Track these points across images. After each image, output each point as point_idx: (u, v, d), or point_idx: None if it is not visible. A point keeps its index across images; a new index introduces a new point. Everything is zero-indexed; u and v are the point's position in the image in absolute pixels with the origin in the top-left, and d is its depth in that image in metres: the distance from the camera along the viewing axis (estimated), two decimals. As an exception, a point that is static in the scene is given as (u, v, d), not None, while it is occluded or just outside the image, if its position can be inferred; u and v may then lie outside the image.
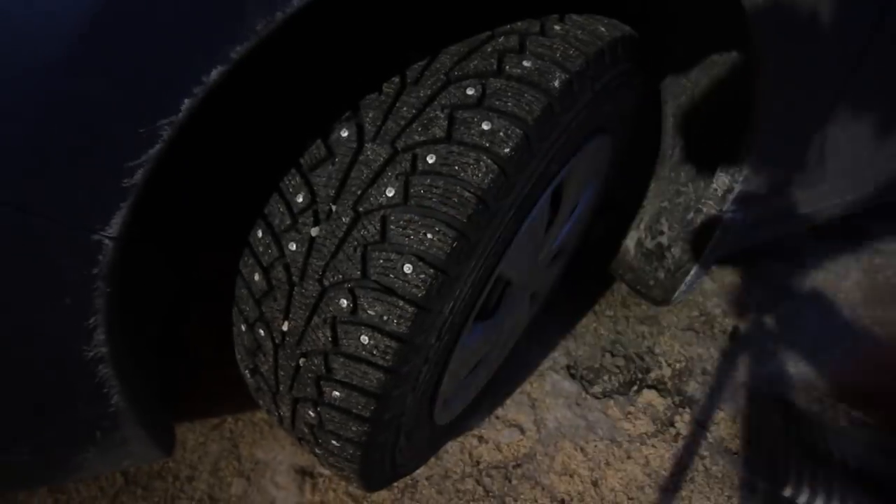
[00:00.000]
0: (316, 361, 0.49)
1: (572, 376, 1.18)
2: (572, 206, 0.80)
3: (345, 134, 0.47)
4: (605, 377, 1.19)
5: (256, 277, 0.51)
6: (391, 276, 0.44)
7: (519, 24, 0.50)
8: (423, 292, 0.44)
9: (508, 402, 1.10)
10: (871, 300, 1.54)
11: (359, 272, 0.45)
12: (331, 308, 0.46)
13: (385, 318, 0.44)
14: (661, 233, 1.05)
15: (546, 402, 1.12)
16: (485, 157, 0.43)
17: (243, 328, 0.55)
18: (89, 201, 0.36)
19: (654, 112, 0.91)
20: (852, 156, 0.96)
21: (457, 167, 0.43)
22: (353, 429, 0.50)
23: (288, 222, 0.48)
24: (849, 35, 0.72)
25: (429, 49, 0.49)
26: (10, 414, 0.49)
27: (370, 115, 0.47)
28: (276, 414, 0.60)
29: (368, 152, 0.46)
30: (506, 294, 0.73)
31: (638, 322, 1.35)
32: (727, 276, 1.54)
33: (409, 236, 0.43)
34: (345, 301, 0.46)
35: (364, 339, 0.45)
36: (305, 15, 0.36)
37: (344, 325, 0.46)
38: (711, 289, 1.50)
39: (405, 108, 0.46)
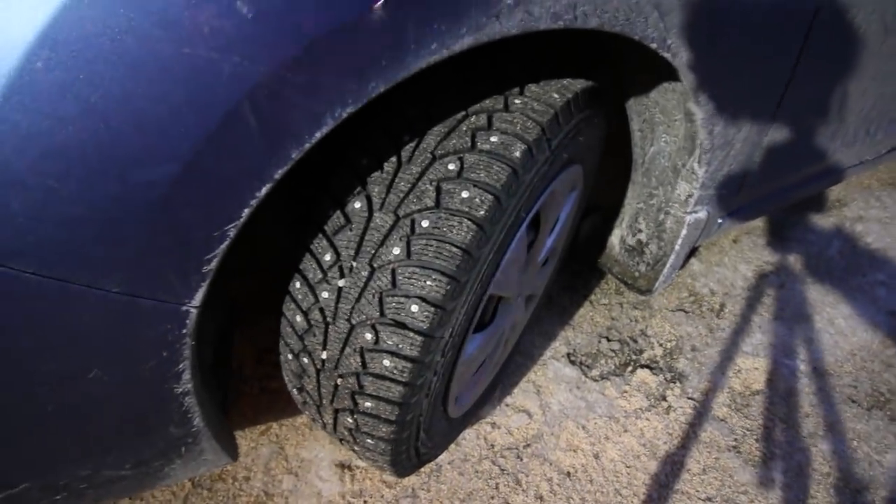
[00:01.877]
0: (350, 381, 0.63)
1: (572, 363, 1.32)
2: (553, 223, 0.93)
3: (358, 205, 0.61)
4: (602, 361, 1.33)
5: (298, 319, 0.65)
6: (402, 314, 0.58)
7: (487, 102, 0.63)
8: (428, 325, 0.57)
9: (516, 390, 1.24)
10: (854, 268, 1.65)
11: (378, 313, 0.59)
12: (359, 340, 0.61)
13: (400, 346, 0.58)
14: (640, 231, 1.17)
15: (550, 388, 1.26)
16: (466, 220, 0.56)
17: (290, 357, 0.70)
18: (181, 285, 0.50)
19: (625, 126, 1.03)
20: (789, 164, 1.08)
21: (445, 229, 0.57)
22: (383, 429, 0.65)
23: (320, 276, 0.62)
24: (771, 71, 0.84)
25: (418, 130, 0.62)
26: (122, 437, 0.64)
27: (376, 189, 0.61)
28: (321, 422, 0.75)
29: (377, 219, 0.59)
30: (500, 305, 0.87)
31: (631, 307, 1.47)
32: (713, 256, 1.65)
33: (413, 284, 0.57)
34: (369, 335, 0.60)
35: (386, 362, 0.59)
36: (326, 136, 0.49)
37: (370, 352, 0.60)
38: (699, 270, 1.62)
39: (403, 183, 0.60)
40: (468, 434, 1.15)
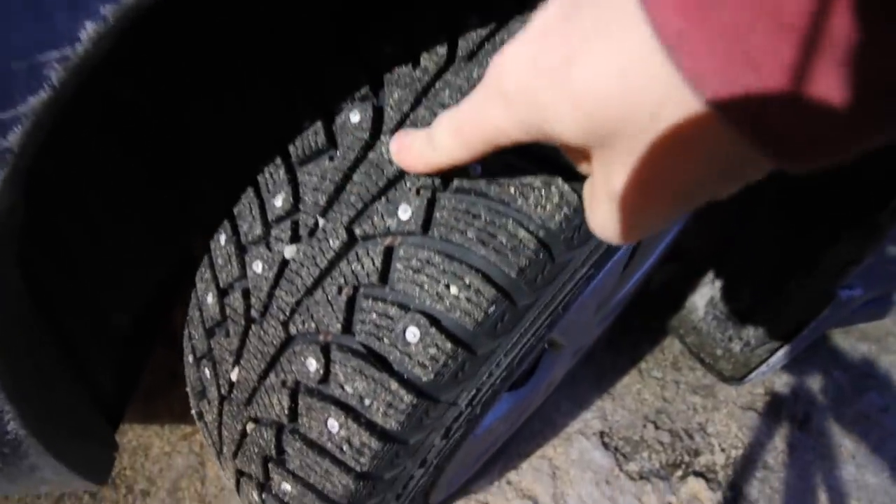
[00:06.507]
0: (266, 434, 0.34)
1: (605, 446, 1.00)
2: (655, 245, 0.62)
3: (355, 119, 0.32)
4: (645, 454, 1.00)
5: (210, 299, 0.37)
6: (386, 340, 0.28)
7: None
8: (432, 375, 0.28)
9: (525, 465, 0.93)
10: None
11: (339, 325, 0.30)
12: (293, 367, 0.31)
13: (368, 402, 0.29)
14: (741, 297, 0.85)
15: (570, 473, 0.94)
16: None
17: (191, 360, 0.41)
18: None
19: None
20: None
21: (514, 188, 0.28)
22: (305, 540, 0.35)
23: (258, 232, 0.34)
24: None
25: (497, 13, 0.33)
26: None
27: (396, 94, 0.32)
28: (224, 472, 0.45)
29: (383, 148, 0.31)
30: (544, 356, 0.56)
31: (690, 390, 1.14)
32: (802, 351, 1.31)
33: (422, 285, 0.28)
34: (314, 362, 0.30)
35: (333, 424, 0.30)
36: None
37: (308, 396, 0.31)
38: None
39: (447, 92, 0.31)
40: (449, 513, 0.84)
